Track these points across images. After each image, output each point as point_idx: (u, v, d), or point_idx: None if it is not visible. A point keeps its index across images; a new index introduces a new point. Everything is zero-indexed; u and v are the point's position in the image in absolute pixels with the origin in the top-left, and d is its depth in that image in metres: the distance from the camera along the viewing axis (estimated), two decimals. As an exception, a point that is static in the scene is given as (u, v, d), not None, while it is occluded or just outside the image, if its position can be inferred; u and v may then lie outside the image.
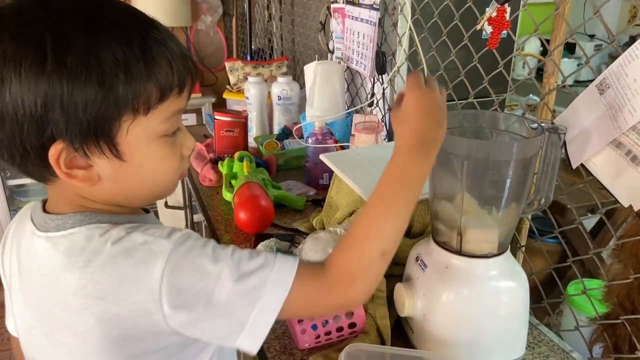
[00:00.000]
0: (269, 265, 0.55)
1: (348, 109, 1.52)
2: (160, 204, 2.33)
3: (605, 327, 0.80)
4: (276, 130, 1.74)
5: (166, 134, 0.57)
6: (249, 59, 2.48)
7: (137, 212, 0.64)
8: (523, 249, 1.05)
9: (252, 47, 2.64)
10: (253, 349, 0.54)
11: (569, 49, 2.79)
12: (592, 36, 2.79)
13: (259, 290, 0.53)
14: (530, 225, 1.00)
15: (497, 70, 0.98)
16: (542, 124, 0.75)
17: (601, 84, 0.71)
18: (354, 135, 1.34)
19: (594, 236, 1.75)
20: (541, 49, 2.66)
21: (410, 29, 1.18)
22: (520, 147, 0.71)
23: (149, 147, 0.55)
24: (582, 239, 1.56)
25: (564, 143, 0.77)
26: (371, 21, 1.32)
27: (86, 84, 0.49)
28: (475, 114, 0.79)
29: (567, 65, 2.64)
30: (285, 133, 1.64)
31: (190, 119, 2.77)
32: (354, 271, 0.57)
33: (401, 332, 0.88)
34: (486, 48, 0.97)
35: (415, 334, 0.83)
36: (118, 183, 0.56)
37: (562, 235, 0.91)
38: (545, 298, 0.94)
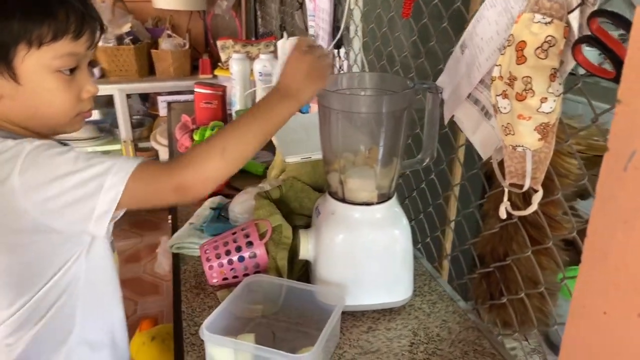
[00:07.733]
0: (115, 159, 0.68)
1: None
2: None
3: (483, 276, 0.86)
4: (259, 105, 1.83)
5: (60, 69, 0.70)
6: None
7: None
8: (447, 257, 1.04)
9: (258, 30, 2.74)
10: (101, 231, 0.67)
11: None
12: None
13: (104, 174, 0.65)
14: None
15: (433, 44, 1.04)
16: (419, 83, 0.81)
17: (462, 45, 0.76)
18: (311, 106, 1.43)
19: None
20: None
21: (356, 3, 1.25)
22: (388, 100, 0.78)
23: (42, 76, 0.69)
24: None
25: (442, 102, 0.82)
26: (330, -3, 1.39)
27: None
28: (361, 75, 0.86)
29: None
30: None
31: (192, 97, 2.90)
32: (193, 158, 0.69)
33: (308, 276, 0.96)
34: (425, 20, 1.02)
35: (311, 275, 0.92)
36: (15, 103, 0.70)
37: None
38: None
